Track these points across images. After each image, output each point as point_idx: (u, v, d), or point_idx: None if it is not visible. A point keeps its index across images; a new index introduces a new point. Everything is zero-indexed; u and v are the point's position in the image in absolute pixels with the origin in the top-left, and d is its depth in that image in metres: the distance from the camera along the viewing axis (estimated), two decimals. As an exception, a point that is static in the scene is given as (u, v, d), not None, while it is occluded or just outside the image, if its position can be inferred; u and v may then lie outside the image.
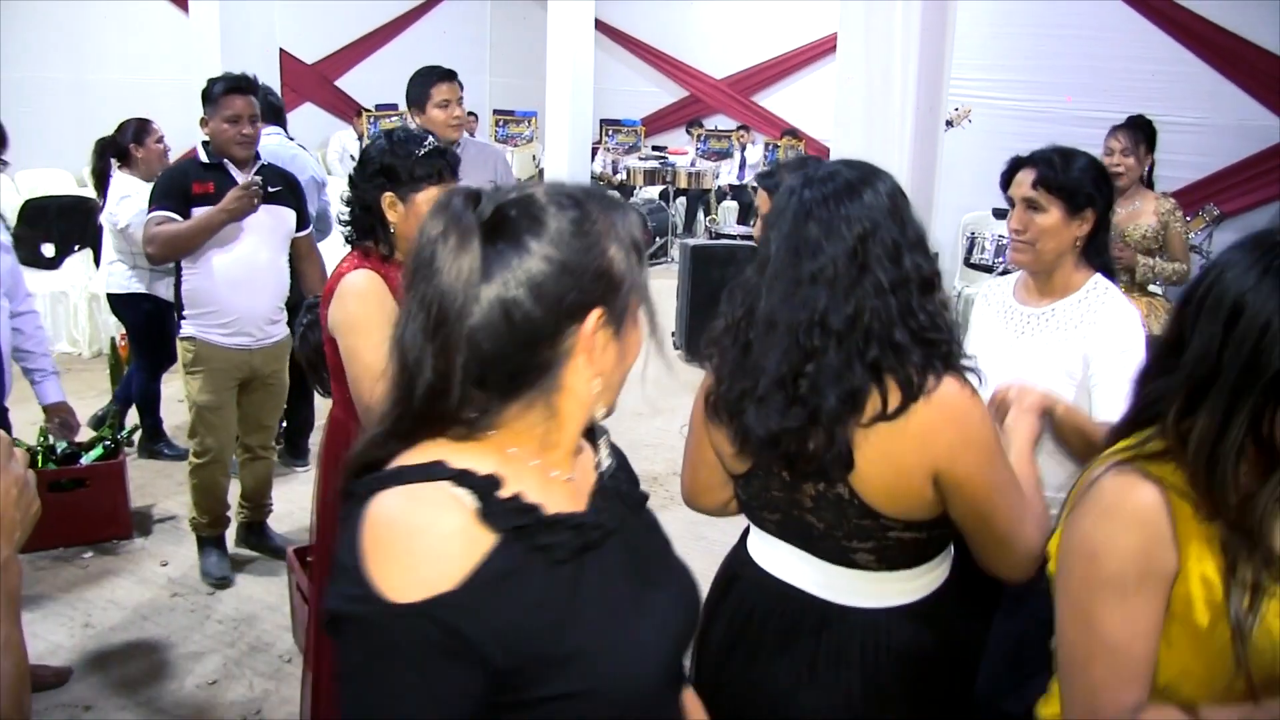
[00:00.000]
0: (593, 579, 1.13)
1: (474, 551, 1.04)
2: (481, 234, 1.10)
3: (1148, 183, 4.84)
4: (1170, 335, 1.36)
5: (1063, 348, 2.29)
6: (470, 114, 11.23)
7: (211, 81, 3.95)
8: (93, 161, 5.40)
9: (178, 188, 3.87)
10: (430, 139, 2.58)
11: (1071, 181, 2.32)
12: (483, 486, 1.08)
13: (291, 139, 4.98)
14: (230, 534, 4.31)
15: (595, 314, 1.11)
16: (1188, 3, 7.78)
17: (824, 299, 1.58)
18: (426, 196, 2.49)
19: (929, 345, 1.59)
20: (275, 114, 4.89)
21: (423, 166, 2.50)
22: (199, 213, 3.80)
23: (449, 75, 4.18)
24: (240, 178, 3.88)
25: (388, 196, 2.50)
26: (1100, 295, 2.34)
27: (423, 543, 1.04)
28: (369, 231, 2.55)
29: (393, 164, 2.50)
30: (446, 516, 1.06)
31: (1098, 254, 2.41)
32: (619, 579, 1.17)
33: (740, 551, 1.90)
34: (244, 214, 3.78)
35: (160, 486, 4.93)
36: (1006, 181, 2.41)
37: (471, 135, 4.31)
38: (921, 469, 1.58)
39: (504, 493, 1.09)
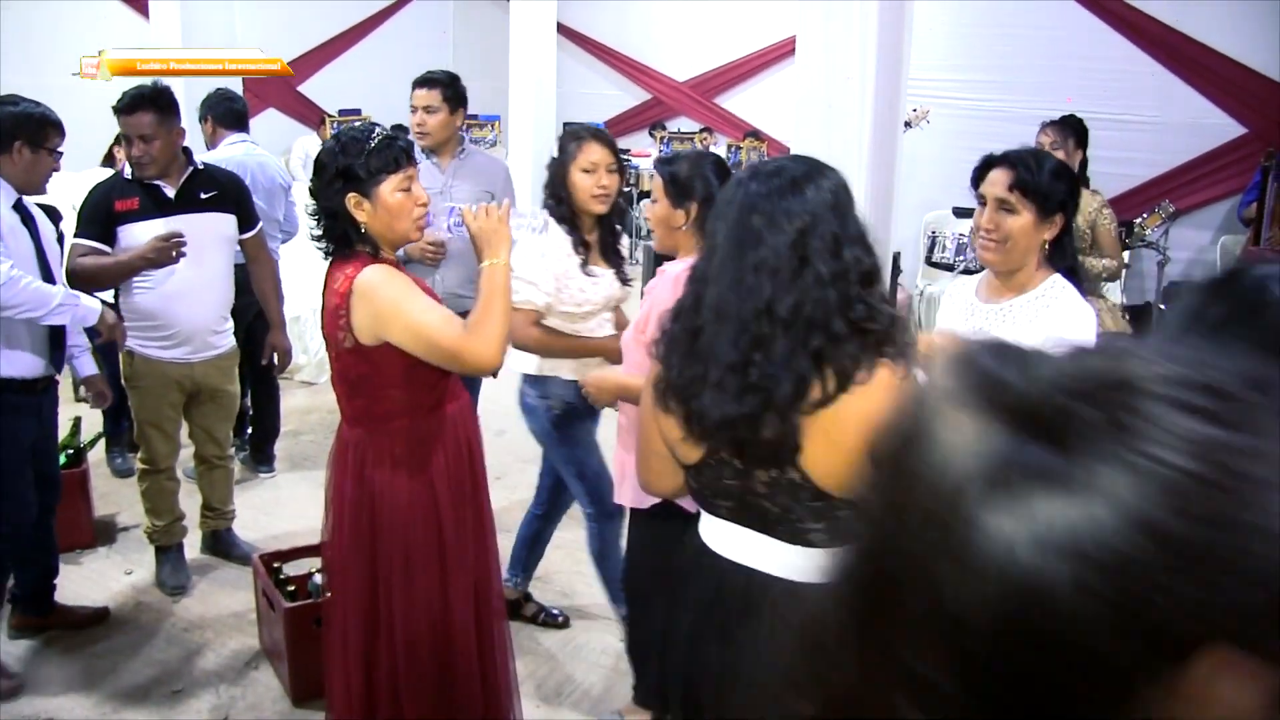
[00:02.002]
0: None
1: None
2: None
3: (1080, 180, 4.95)
4: None
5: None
6: None
7: (123, 93, 3.79)
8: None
9: (100, 211, 3.77)
10: (377, 129, 2.58)
11: (1046, 186, 2.37)
12: None
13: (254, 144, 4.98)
14: (195, 541, 4.29)
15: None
16: (1141, 4, 7.90)
17: (769, 288, 1.65)
18: (389, 188, 2.50)
19: (865, 335, 1.66)
20: (238, 120, 4.87)
21: (377, 159, 2.48)
22: (124, 235, 3.73)
23: (424, 80, 4.14)
24: (167, 189, 3.80)
25: (352, 198, 2.49)
26: (1057, 294, 2.39)
27: None
28: (344, 239, 2.53)
29: (348, 165, 2.48)
30: None
31: (1063, 257, 2.47)
32: None
33: (694, 540, 1.93)
34: (164, 264, 3.68)
35: (124, 495, 4.88)
36: (978, 179, 2.45)
37: (462, 140, 4.23)
38: (862, 451, 1.61)
39: None
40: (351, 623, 2.68)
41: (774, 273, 1.66)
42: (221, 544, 4.32)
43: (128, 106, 3.72)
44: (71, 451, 4.45)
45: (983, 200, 2.41)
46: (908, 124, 6.36)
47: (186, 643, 3.74)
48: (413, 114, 4.09)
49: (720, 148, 11.68)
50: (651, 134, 12.16)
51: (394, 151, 2.52)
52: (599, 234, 3.33)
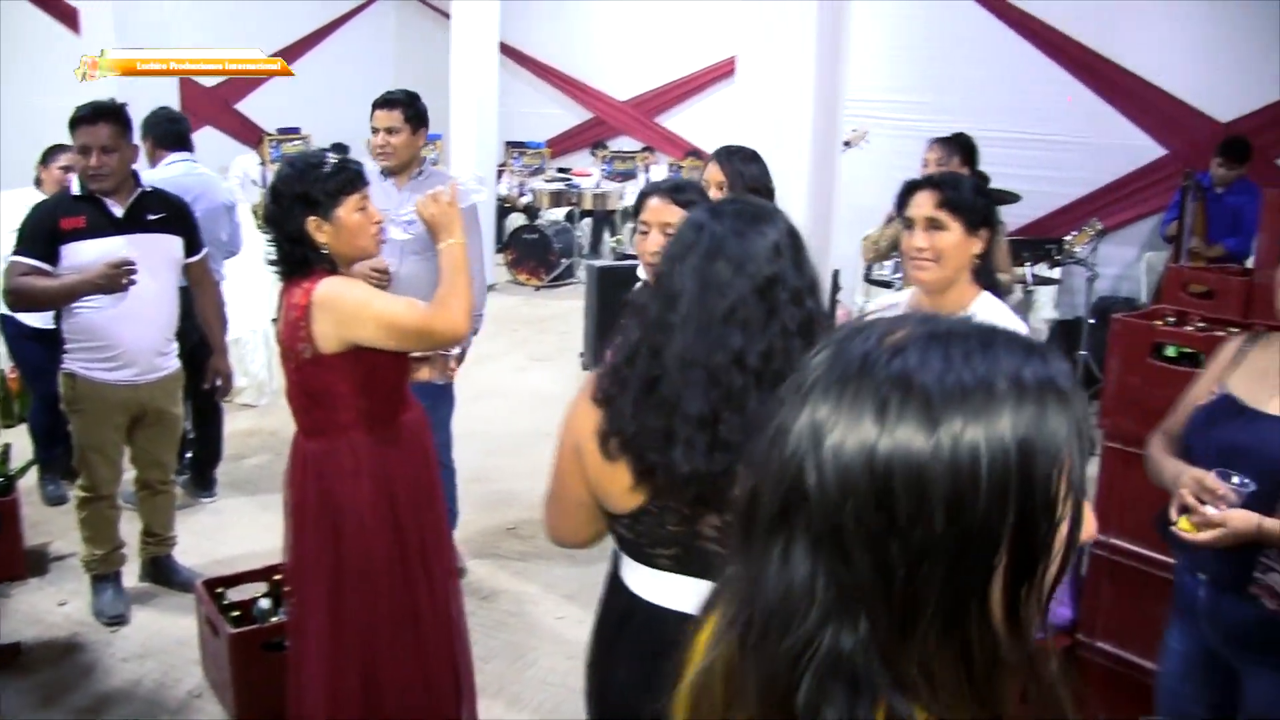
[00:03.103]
0: None
1: None
2: None
3: None
4: None
5: None
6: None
7: (77, 108, 3.75)
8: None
9: (44, 229, 3.69)
10: (330, 155, 2.72)
11: (970, 201, 2.46)
12: None
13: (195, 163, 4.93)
14: (133, 569, 4.22)
15: None
16: (1072, 32, 8.15)
17: (739, 338, 1.61)
18: (347, 209, 2.64)
19: None
20: (179, 140, 4.81)
21: (334, 182, 2.63)
22: (68, 253, 3.66)
23: (385, 101, 4.10)
24: (115, 208, 3.76)
25: (312, 221, 2.61)
26: (989, 311, 2.45)
27: None
28: (302, 262, 2.64)
29: (306, 190, 2.61)
30: None
31: (986, 275, 2.55)
32: None
33: (622, 590, 1.86)
34: (111, 291, 3.61)
35: (57, 523, 4.79)
36: (902, 204, 2.52)
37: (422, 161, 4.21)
38: None
39: None
40: (318, 634, 2.72)
41: (744, 323, 1.61)
42: (162, 571, 4.26)
43: (90, 117, 3.69)
44: (1, 479, 4.36)
45: (909, 224, 2.49)
46: (847, 144, 6.45)
47: (126, 674, 3.68)
48: (374, 135, 4.06)
49: (661, 167, 11.75)
50: (593, 153, 12.20)
51: (349, 174, 2.67)
52: None
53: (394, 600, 2.72)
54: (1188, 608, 2.29)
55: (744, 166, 3.45)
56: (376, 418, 2.72)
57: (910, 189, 2.53)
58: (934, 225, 2.44)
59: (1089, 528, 0.88)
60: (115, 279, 3.57)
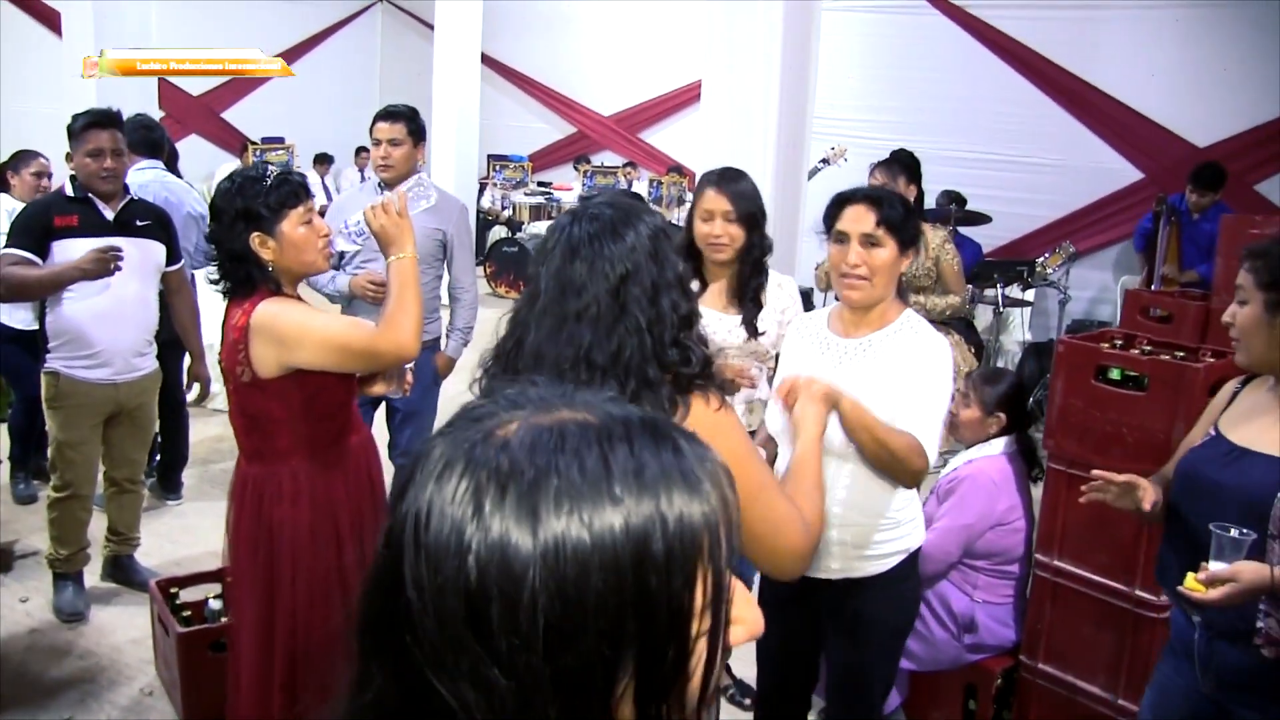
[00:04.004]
0: None
1: None
2: None
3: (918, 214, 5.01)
4: None
5: (879, 376, 2.40)
6: (362, 149, 11.24)
7: (75, 116, 3.93)
8: None
9: (37, 224, 3.81)
10: (270, 168, 2.63)
11: (903, 220, 2.43)
12: None
13: (176, 174, 4.99)
14: (95, 568, 4.25)
15: None
16: (1047, 51, 8.22)
17: (588, 336, 1.66)
18: (291, 223, 2.55)
19: (679, 378, 1.69)
20: (152, 148, 4.88)
21: (276, 196, 2.54)
22: (59, 250, 3.76)
23: (387, 114, 4.12)
24: (106, 211, 3.87)
25: (256, 237, 2.53)
26: (914, 326, 2.48)
27: None
28: (246, 280, 2.56)
29: (247, 205, 2.52)
30: None
31: (902, 293, 2.56)
32: None
33: None
34: (99, 276, 3.69)
35: (24, 521, 4.83)
36: (832, 218, 2.47)
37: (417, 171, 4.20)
38: None
39: None
40: (248, 653, 2.70)
41: (594, 321, 1.67)
42: (122, 570, 4.30)
43: (103, 121, 3.86)
44: (-32, 476, 4.40)
45: (841, 238, 2.43)
46: (826, 161, 6.51)
47: (80, 671, 3.71)
48: (375, 147, 4.09)
49: (643, 183, 11.83)
50: (576, 167, 12.28)
51: (291, 186, 2.57)
52: (730, 279, 3.13)
53: (333, 629, 2.63)
54: (1183, 649, 2.27)
55: (741, 188, 3.16)
56: (319, 442, 2.63)
57: (842, 202, 2.47)
58: (870, 242, 2.39)
59: (749, 629, 0.80)
60: (103, 263, 3.64)
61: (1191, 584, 2.00)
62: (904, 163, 4.92)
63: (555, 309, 1.70)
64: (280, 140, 11.01)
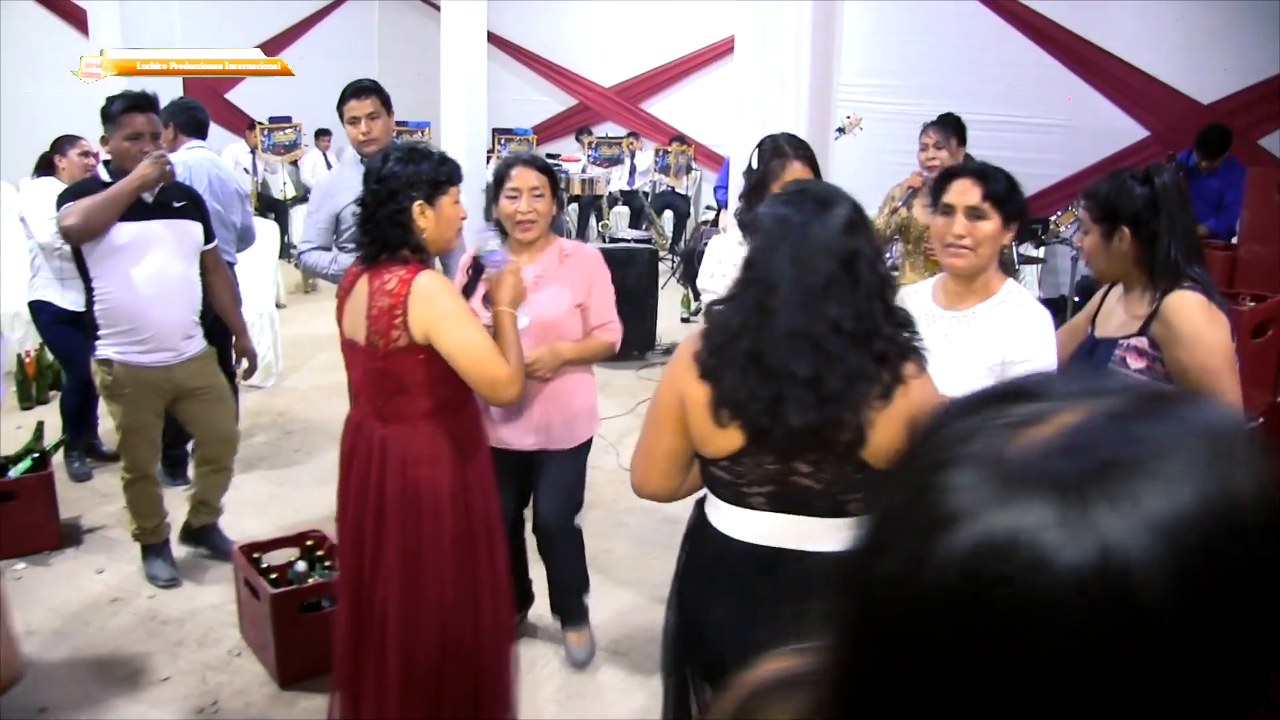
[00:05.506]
0: None
1: None
2: None
3: None
4: None
5: (984, 347, 2.53)
6: (322, 133, 11.28)
7: (110, 100, 3.96)
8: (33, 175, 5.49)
9: (85, 195, 3.85)
10: (434, 149, 2.80)
11: (1009, 195, 2.58)
12: None
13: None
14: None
15: None
16: (1052, 13, 8.32)
17: (834, 308, 1.87)
18: (450, 198, 2.74)
19: (899, 337, 1.94)
20: (198, 128, 4.97)
21: (446, 169, 2.74)
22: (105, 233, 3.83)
23: (357, 91, 4.15)
24: (145, 195, 3.89)
25: (418, 205, 2.68)
26: (1017, 298, 2.61)
27: None
28: (399, 245, 2.69)
29: (422, 172, 2.69)
30: None
31: (1005, 265, 2.71)
32: None
33: (713, 535, 2.10)
34: (155, 182, 3.80)
35: (85, 499, 4.94)
36: (939, 190, 2.63)
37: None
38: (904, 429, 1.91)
39: None
40: (395, 609, 2.79)
41: (837, 294, 1.87)
42: (207, 539, 4.41)
43: (141, 104, 3.90)
44: (36, 455, 4.50)
45: (948, 210, 2.57)
46: (841, 130, 6.60)
47: (167, 635, 3.83)
48: (353, 125, 4.10)
49: (648, 152, 11.91)
50: (579, 139, 12.33)
51: (456, 165, 2.79)
52: None
53: (460, 573, 2.81)
54: None
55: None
56: (456, 405, 2.77)
57: (949, 176, 2.63)
58: (975, 215, 2.54)
59: None
60: (160, 164, 3.78)
61: None
62: (955, 125, 5.01)
63: (800, 289, 1.88)
64: (287, 119, 11.03)
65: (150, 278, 3.89)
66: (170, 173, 3.86)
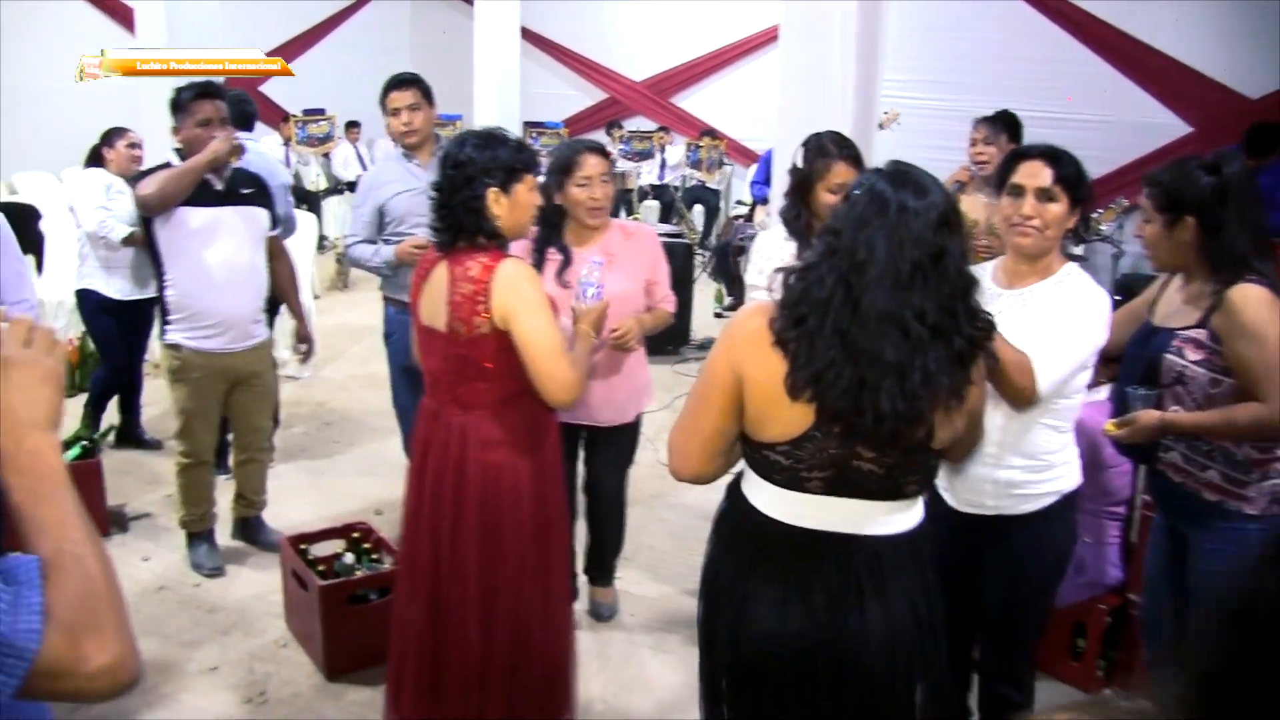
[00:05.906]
0: None
1: None
2: None
3: None
4: None
5: (1039, 324, 2.49)
6: (353, 125, 11.28)
7: (179, 90, 4.01)
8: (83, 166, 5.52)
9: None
10: (510, 134, 2.78)
11: (1079, 178, 2.55)
12: None
13: None
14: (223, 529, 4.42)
15: None
16: (1090, 7, 8.24)
17: (920, 298, 1.84)
18: (525, 185, 2.71)
19: (983, 342, 1.96)
20: (246, 121, 5.00)
21: (524, 156, 2.72)
22: (172, 221, 3.89)
23: (399, 83, 4.17)
24: (216, 182, 3.95)
25: (493, 192, 2.65)
26: (1074, 279, 2.57)
27: None
28: (475, 232, 2.68)
29: (500, 158, 2.67)
30: None
31: (1064, 249, 2.68)
32: None
33: (765, 523, 2.03)
34: (226, 157, 3.87)
35: (130, 486, 4.96)
36: (1006, 172, 2.59)
37: (437, 139, 4.27)
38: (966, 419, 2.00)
39: None
40: (474, 595, 2.79)
41: (922, 287, 1.84)
42: (251, 530, 4.44)
43: (211, 92, 3.98)
44: (86, 443, 4.52)
45: (1018, 190, 2.54)
46: (880, 126, 6.56)
47: (213, 625, 3.84)
48: (395, 117, 4.12)
49: (679, 146, 11.88)
50: (609, 133, 12.31)
51: (532, 153, 2.77)
52: None
53: (538, 560, 2.82)
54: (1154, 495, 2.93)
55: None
56: (529, 391, 2.72)
57: (1018, 156, 2.59)
58: (1045, 197, 2.51)
59: None
60: (227, 142, 3.85)
61: (1109, 428, 2.68)
62: (1007, 122, 4.94)
63: (889, 272, 1.84)
64: (321, 111, 11.06)
65: (220, 264, 3.96)
66: (240, 149, 3.93)
